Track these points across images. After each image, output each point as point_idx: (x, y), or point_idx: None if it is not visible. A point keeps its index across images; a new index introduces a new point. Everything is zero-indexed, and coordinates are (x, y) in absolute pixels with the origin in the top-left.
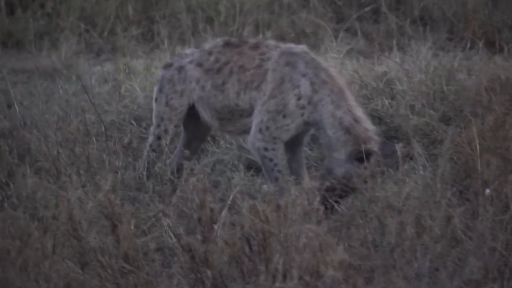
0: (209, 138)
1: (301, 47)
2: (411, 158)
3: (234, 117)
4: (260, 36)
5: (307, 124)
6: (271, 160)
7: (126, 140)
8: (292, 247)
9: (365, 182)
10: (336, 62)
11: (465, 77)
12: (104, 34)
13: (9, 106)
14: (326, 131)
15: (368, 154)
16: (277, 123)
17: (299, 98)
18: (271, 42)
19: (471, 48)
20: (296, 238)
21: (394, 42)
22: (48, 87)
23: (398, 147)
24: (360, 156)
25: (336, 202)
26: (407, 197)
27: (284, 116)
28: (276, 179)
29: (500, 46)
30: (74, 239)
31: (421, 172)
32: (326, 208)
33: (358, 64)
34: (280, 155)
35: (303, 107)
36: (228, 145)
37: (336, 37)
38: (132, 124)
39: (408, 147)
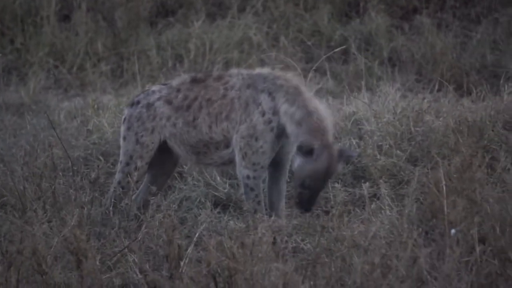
0: (176, 175)
1: (262, 69)
2: (378, 198)
3: (210, 150)
4: None
5: (279, 138)
6: (252, 189)
7: (93, 176)
8: (258, 284)
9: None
10: None
11: (432, 119)
12: (73, 70)
13: None
14: (287, 131)
15: (314, 146)
16: (252, 147)
17: (263, 114)
18: (234, 71)
19: (439, 90)
20: (262, 275)
21: (363, 82)
22: (16, 121)
23: (365, 186)
24: (308, 149)
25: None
26: (373, 237)
27: (256, 139)
28: (255, 211)
29: (468, 88)
30: (39, 274)
31: (388, 212)
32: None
33: (327, 104)
34: (261, 185)
35: (270, 121)
36: (196, 182)
37: (305, 77)
38: (99, 159)
39: (375, 187)
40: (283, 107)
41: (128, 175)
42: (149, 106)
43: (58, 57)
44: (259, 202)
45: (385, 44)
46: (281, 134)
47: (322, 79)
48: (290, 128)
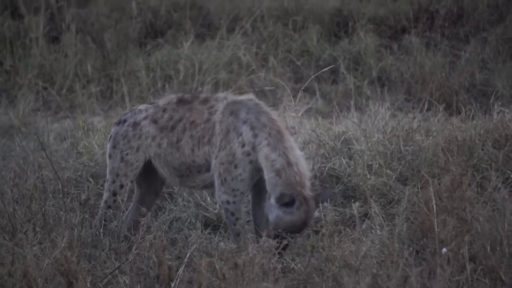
0: (166, 196)
1: (247, 96)
2: (368, 218)
3: (192, 173)
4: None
5: (257, 171)
6: (233, 214)
7: (83, 197)
8: None
9: (301, 228)
10: (295, 121)
11: (422, 138)
12: (63, 92)
13: None
14: (265, 175)
15: (294, 198)
16: (231, 173)
17: (243, 145)
18: (221, 95)
19: (428, 109)
20: None
21: (352, 102)
22: (5, 144)
23: (355, 206)
24: (287, 201)
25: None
26: (364, 256)
27: (236, 167)
28: (238, 235)
29: (458, 107)
30: None
31: (378, 231)
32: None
33: (317, 123)
34: (241, 209)
35: (248, 154)
36: (186, 203)
37: (294, 96)
38: (89, 181)
39: (365, 207)
40: (264, 150)
41: (114, 194)
42: (135, 124)
43: (47, 79)
44: (241, 226)
45: (374, 64)
46: (259, 169)
47: (311, 99)
48: (268, 175)
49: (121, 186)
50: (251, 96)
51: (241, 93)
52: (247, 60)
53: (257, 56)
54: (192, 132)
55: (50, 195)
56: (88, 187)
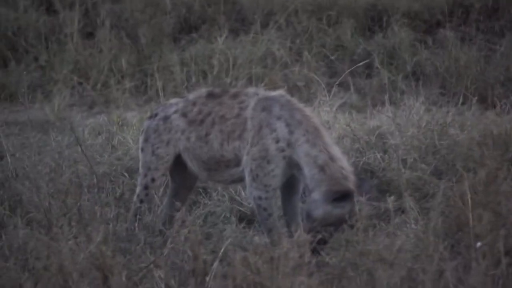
0: (200, 190)
1: (278, 92)
2: (403, 212)
3: (221, 168)
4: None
5: (291, 167)
6: (265, 209)
7: (118, 192)
8: None
9: (346, 222)
10: (329, 116)
11: (457, 132)
12: (98, 87)
13: (1, 157)
14: (304, 171)
15: (347, 193)
16: (264, 169)
17: (277, 141)
18: (251, 90)
19: (463, 103)
20: None
21: (387, 96)
22: (40, 139)
23: (390, 200)
24: (339, 196)
25: (327, 254)
26: (399, 250)
27: (268, 162)
28: (270, 230)
29: (493, 101)
30: None
31: (413, 225)
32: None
33: (351, 118)
34: (274, 205)
35: (283, 150)
36: (220, 197)
37: (329, 91)
38: (124, 175)
39: (400, 201)
40: (304, 147)
41: (146, 188)
42: (166, 118)
43: (82, 74)
44: (273, 221)
45: (408, 58)
46: (292, 166)
47: (345, 93)
48: (311, 172)
49: (153, 180)
50: (282, 92)
51: (275, 88)
52: (281, 55)
53: (291, 51)
54: (222, 126)
55: (85, 190)
56: (123, 182)
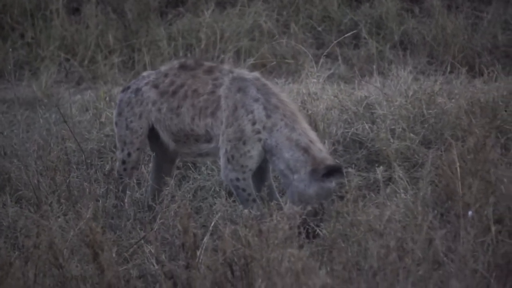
0: (190, 165)
1: (253, 74)
2: (392, 182)
3: (190, 141)
4: (242, 63)
5: (265, 151)
6: (244, 190)
7: (107, 168)
8: (274, 271)
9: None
10: (317, 87)
11: (445, 101)
12: (85, 63)
13: None
14: (283, 155)
15: (333, 168)
16: (240, 150)
17: (253, 123)
18: (226, 67)
19: (451, 72)
20: (278, 262)
21: (374, 66)
22: (28, 116)
23: (379, 170)
24: (327, 171)
25: (318, 226)
26: (389, 221)
27: (244, 143)
28: (252, 209)
29: (480, 69)
30: (56, 268)
31: (403, 195)
32: (307, 233)
33: (339, 89)
34: (251, 184)
35: (258, 132)
36: (210, 172)
37: (316, 62)
38: (112, 151)
39: (389, 171)
40: (283, 131)
41: (123, 163)
42: (137, 91)
43: (69, 51)
44: (254, 200)
45: (395, 28)
46: (266, 150)
47: (333, 64)
48: (294, 155)
49: (129, 154)
50: (257, 74)
51: (263, 61)
52: (268, 27)
53: (278, 23)
54: (194, 101)
55: (74, 167)
56: (111, 158)
